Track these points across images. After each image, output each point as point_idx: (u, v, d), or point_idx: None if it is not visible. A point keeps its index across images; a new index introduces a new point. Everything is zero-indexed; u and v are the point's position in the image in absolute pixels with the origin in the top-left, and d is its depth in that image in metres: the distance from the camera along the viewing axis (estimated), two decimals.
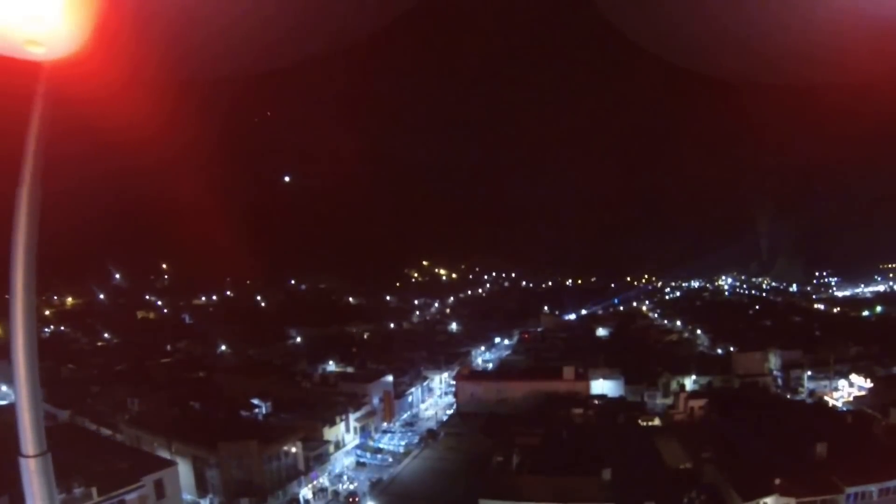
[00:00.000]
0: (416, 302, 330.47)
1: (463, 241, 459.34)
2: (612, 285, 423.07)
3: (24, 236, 11.14)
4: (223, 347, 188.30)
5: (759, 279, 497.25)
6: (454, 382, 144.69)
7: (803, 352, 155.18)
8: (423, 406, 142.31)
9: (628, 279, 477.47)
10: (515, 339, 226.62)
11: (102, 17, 9.93)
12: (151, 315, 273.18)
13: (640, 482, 72.34)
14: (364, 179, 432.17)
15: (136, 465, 72.10)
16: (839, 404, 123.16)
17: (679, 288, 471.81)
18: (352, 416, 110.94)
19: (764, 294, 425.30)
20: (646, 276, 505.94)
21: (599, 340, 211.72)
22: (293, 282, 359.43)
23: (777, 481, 68.78)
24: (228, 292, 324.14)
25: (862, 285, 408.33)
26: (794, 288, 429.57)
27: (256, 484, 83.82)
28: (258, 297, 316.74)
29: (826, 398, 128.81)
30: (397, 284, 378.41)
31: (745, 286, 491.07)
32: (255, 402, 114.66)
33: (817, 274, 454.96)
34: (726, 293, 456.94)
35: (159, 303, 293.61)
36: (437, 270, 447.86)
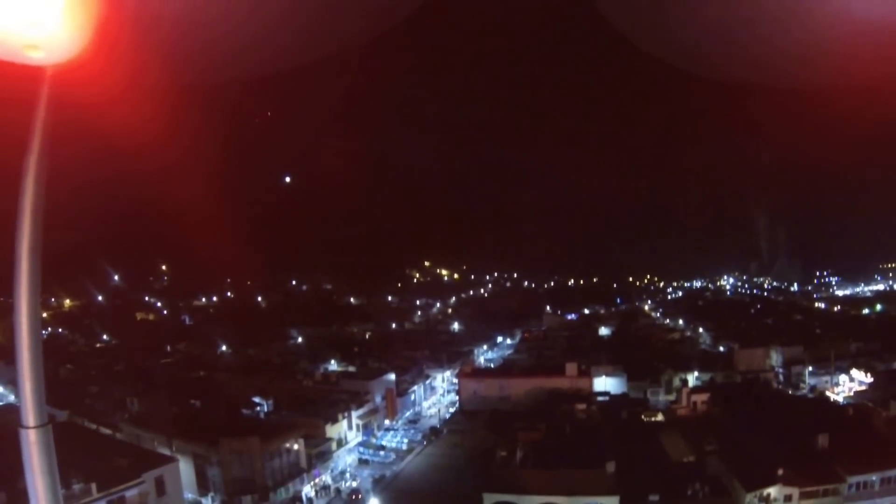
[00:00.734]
0: (417, 302, 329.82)
1: (465, 242, 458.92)
2: (615, 285, 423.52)
3: (27, 239, 11.05)
4: (223, 348, 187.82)
5: (760, 279, 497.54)
6: (457, 380, 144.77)
7: (804, 348, 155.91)
8: (425, 404, 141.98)
9: (630, 279, 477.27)
10: (518, 338, 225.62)
11: (103, 22, 9.82)
12: (151, 316, 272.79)
13: (644, 475, 72.21)
14: (366, 180, 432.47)
15: (137, 462, 71.53)
16: (840, 399, 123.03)
17: (681, 288, 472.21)
18: (354, 414, 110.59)
19: (765, 294, 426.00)
20: (648, 277, 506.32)
21: (602, 339, 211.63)
22: (294, 282, 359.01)
23: (780, 472, 68.83)
24: (229, 293, 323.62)
25: (862, 284, 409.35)
26: (794, 287, 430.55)
27: (258, 481, 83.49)
28: (258, 298, 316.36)
29: (827, 393, 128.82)
30: (399, 285, 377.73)
31: (746, 286, 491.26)
32: (256, 400, 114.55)
33: (818, 274, 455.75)
34: (728, 293, 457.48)
35: (159, 304, 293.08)
36: (438, 271, 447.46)
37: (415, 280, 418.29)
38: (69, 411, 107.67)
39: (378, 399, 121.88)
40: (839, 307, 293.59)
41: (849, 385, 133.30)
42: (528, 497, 69.55)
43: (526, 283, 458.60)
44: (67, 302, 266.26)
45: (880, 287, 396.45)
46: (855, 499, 70.02)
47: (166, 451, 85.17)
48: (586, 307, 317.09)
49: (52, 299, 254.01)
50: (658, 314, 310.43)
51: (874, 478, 70.37)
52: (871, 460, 71.61)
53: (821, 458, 74.15)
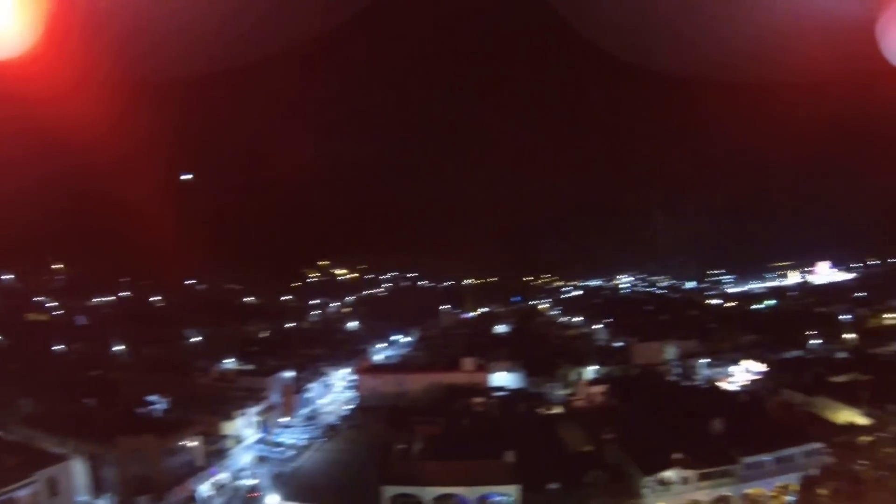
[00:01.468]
0: (315, 301, 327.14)
1: (362, 242, 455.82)
2: (512, 284, 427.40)
3: None
4: (119, 347, 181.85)
5: (656, 278, 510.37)
6: (355, 377, 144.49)
7: (699, 342, 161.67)
8: (323, 401, 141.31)
9: (528, 279, 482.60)
10: (416, 336, 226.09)
11: (52, 20, 9.96)
12: (43, 317, 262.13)
13: (543, 465, 72.80)
14: (262, 179, 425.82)
15: (28, 461, 69.27)
16: (734, 388, 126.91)
17: (579, 287, 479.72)
18: (251, 411, 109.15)
19: (661, 291, 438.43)
20: (546, 276, 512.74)
21: (499, 336, 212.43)
22: (192, 281, 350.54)
23: (676, 456, 70.65)
24: (125, 292, 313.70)
25: (754, 282, 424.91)
26: (689, 285, 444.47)
27: (154, 481, 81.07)
28: (156, 297, 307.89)
29: (721, 383, 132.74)
30: (297, 284, 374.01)
31: (642, 284, 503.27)
32: (152, 398, 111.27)
33: (712, 272, 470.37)
34: (625, 291, 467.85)
35: (52, 304, 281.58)
36: (335, 271, 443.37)
37: (312, 279, 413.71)
38: None
39: (275, 396, 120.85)
40: (732, 303, 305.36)
41: (742, 375, 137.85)
42: (428, 489, 69.39)
43: (424, 282, 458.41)
44: None
45: (771, 284, 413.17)
46: (750, 478, 73.63)
47: (60, 451, 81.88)
48: (484, 306, 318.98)
49: None
50: (555, 312, 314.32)
51: (766, 458, 74.30)
52: (764, 442, 75.55)
53: (716, 442, 77.49)
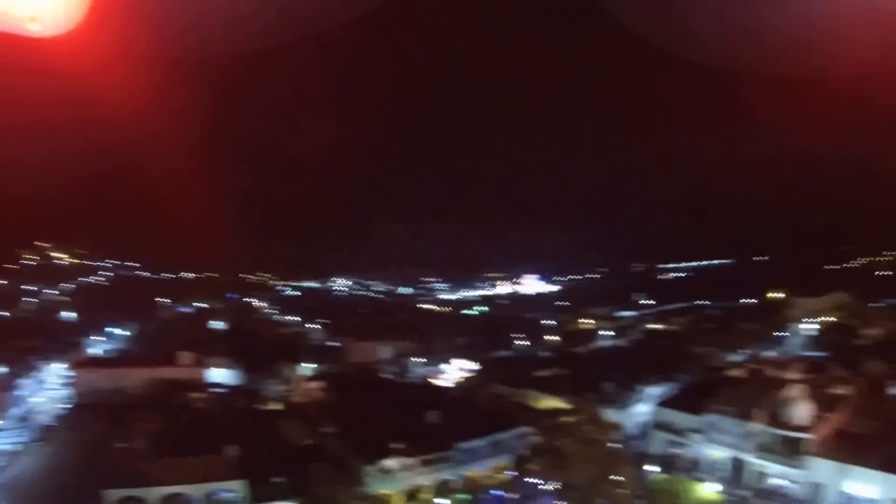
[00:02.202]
0: (30, 287, 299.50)
1: (86, 225, 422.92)
2: (230, 281, 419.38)
3: None
4: None
5: (372, 282, 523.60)
6: (71, 373, 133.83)
7: (413, 342, 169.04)
8: (37, 399, 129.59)
9: (246, 276, 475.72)
10: (134, 329, 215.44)
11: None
12: None
13: (266, 460, 71.98)
14: None
15: None
16: (447, 384, 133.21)
17: (296, 287, 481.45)
18: None
19: (377, 295, 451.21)
20: (264, 275, 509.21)
21: (217, 332, 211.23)
22: None
23: (395, 445, 73.02)
24: None
25: (466, 290, 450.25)
26: (404, 290, 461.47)
27: None
28: None
29: (435, 380, 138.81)
30: (11, 267, 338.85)
31: (358, 288, 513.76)
32: None
33: (426, 279, 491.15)
34: (341, 293, 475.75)
35: None
36: (53, 254, 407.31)
37: (30, 262, 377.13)
38: None
39: None
40: (445, 308, 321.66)
41: (455, 373, 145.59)
42: (154, 489, 66.21)
43: (146, 273, 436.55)
44: None
45: (482, 292, 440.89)
46: (468, 462, 78.79)
47: None
48: (201, 301, 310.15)
49: None
50: (272, 311, 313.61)
51: (482, 443, 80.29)
52: (478, 430, 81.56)
53: (433, 431, 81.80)
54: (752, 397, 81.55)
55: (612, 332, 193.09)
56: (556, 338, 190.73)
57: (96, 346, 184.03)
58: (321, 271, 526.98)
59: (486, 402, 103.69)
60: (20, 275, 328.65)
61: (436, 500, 73.96)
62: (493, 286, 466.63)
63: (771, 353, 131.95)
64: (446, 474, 76.89)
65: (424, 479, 75.10)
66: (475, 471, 78.90)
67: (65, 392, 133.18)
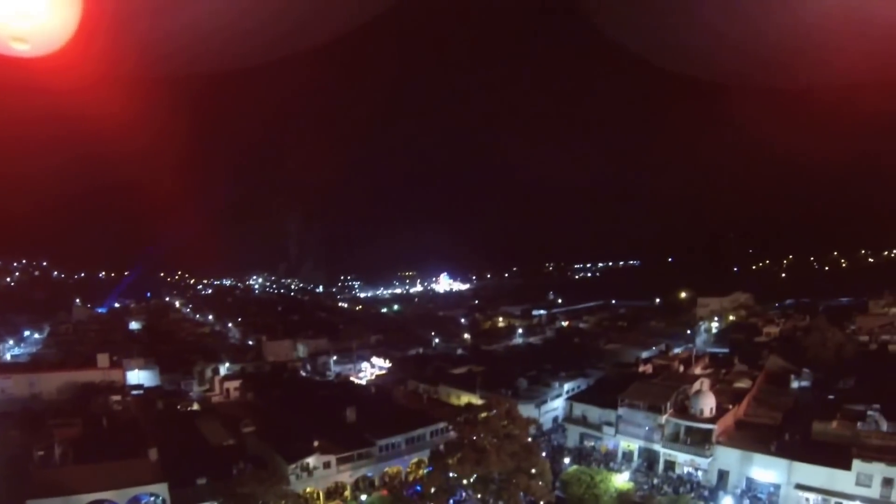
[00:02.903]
0: None
1: None
2: (147, 280, 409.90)
3: None
4: None
5: (288, 280, 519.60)
6: None
7: (329, 340, 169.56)
8: None
9: (162, 274, 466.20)
10: (47, 331, 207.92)
11: (86, 16, 9.99)
12: None
13: (188, 461, 71.70)
14: None
15: None
16: (364, 382, 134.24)
17: (211, 285, 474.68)
18: None
19: (292, 293, 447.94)
20: (179, 273, 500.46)
21: (133, 333, 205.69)
22: None
23: (316, 443, 74.21)
24: None
25: (382, 288, 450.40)
26: (320, 289, 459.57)
27: None
28: None
29: (351, 378, 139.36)
30: None
31: (274, 286, 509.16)
32: None
33: (342, 277, 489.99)
34: (256, 291, 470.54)
35: None
36: None
37: None
38: None
39: None
40: (361, 306, 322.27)
41: (371, 370, 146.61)
42: (75, 497, 64.80)
43: (56, 273, 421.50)
44: None
45: (398, 290, 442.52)
46: (386, 458, 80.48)
47: None
48: (116, 301, 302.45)
49: None
50: (188, 309, 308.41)
51: (398, 439, 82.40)
52: (395, 427, 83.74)
53: (352, 429, 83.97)
54: (661, 391, 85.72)
55: (525, 330, 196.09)
56: (471, 335, 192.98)
57: (7, 351, 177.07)
58: (237, 269, 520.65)
59: (402, 398, 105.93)
60: None
61: (357, 497, 75.07)
62: (408, 285, 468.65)
63: (678, 350, 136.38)
64: (366, 471, 78.21)
65: (345, 476, 76.22)
66: (394, 466, 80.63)
67: None
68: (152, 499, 65.77)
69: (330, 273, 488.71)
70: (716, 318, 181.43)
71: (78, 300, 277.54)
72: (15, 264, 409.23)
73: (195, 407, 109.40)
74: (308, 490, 72.60)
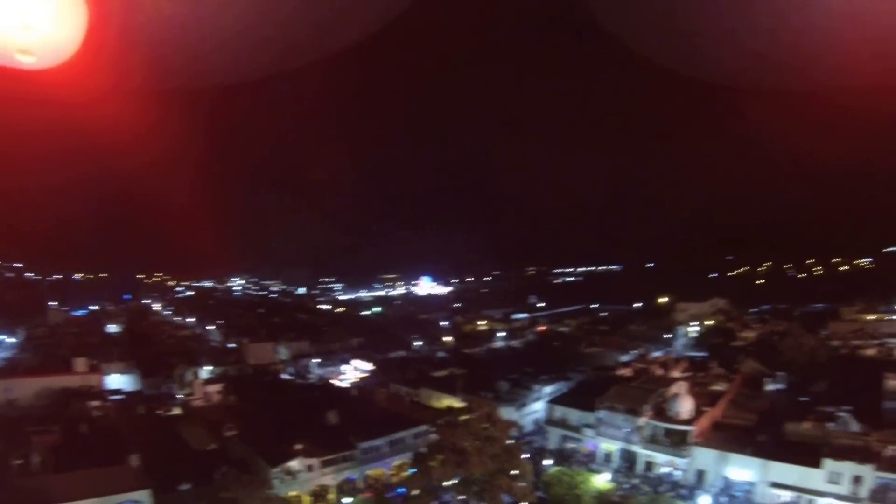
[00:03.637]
0: None
1: None
2: (125, 282, 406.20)
3: None
4: None
5: (269, 282, 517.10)
6: None
7: (311, 343, 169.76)
8: None
9: (141, 277, 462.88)
10: (22, 336, 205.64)
11: (92, 27, 9.96)
12: None
13: (171, 467, 71.74)
14: None
15: None
16: (346, 385, 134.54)
17: (192, 287, 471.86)
18: None
19: (273, 295, 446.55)
20: (159, 275, 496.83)
21: (112, 336, 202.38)
22: None
23: (299, 446, 74.80)
24: None
25: (363, 291, 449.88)
26: (301, 291, 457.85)
27: None
28: None
29: (333, 380, 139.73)
30: None
31: (254, 288, 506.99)
32: None
33: (324, 280, 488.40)
34: (237, 293, 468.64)
35: None
36: None
37: None
38: None
39: None
40: (342, 309, 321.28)
41: (353, 373, 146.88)
42: None
43: (29, 274, 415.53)
44: None
45: (379, 294, 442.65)
46: (369, 461, 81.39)
47: None
48: (94, 304, 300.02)
49: None
50: (168, 312, 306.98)
51: (382, 442, 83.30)
52: (378, 430, 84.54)
53: (334, 432, 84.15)
54: (640, 394, 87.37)
55: (506, 333, 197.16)
56: (453, 338, 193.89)
57: None
58: (217, 271, 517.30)
59: (384, 401, 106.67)
60: None
61: (340, 500, 75.70)
62: (390, 288, 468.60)
63: (657, 353, 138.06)
64: (349, 473, 78.97)
65: (328, 479, 76.80)
66: (377, 469, 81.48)
67: None
68: None
69: (312, 275, 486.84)
70: (694, 323, 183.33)
71: (54, 302, 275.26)
72: None
73: (177, 411, 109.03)
74: (292, 493, 73.05)
